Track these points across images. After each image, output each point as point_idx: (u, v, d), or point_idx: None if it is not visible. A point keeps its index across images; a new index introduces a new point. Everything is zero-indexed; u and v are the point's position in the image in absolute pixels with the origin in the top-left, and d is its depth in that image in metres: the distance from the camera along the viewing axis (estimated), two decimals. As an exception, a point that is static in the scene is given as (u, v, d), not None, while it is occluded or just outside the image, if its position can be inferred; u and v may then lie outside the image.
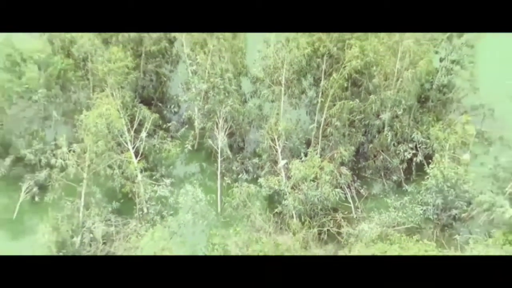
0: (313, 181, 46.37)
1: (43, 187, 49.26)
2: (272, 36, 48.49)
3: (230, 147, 52.09)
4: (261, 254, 41.04)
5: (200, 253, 43.57)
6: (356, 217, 48.80)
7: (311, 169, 46.24)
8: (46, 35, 50.80)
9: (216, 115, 49.98)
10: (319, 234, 46.67)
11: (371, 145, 51.56)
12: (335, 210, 48.47)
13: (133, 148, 47.59)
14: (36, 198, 49.06)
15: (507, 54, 57.98)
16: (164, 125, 54.03)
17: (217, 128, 49.75)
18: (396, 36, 47.84)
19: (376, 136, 51.31)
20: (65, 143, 48.15)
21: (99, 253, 45.33)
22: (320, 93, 48.85)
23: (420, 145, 50.43)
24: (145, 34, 52.26)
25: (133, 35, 51.90)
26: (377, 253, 44.11)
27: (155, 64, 54.83)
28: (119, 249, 45.11)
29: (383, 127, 50.58)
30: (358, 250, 45.05)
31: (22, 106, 51.76)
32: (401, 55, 47.40)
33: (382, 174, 51.89)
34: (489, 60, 53.17)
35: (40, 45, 50.12)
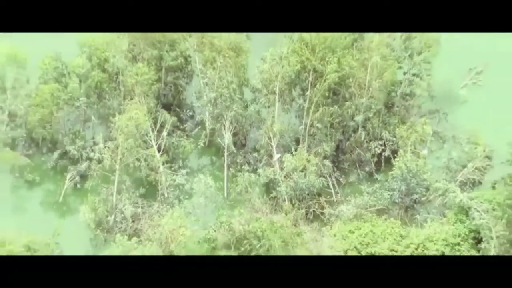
0: (302, 171, 51.10)
1: (83, 176, 54.19)
2: (268, 55, 52.80)
3: (235, 144, 56.03)
4: (259, 230, 43.38)
5: (210, 230, 45.90)
6: (336, 201, 53.30)
7: (300, 162, 51.19)
8: (85, 54, 55.15)
9: (223, 118, 54.13)
10: (306, 214, 51.32)
11: (348, 142, 56.44)
12: (319, 194, 53.06)
13: (156, 144, 51.67)
14: (78, 185, 54.10)
15: (458, 68, 62.40)
16: (181, 126, 58.27)
17: (224, 128, 54.02)
18: (366, 54, 52.42)
19: (352, 135, 56.18)
20: (101, 141, 53.33)
21: (128, 230, 49.04)
22: (307, 101, 53.35)
23: (387, 142, 55.32)
24: (165, 53, 56.01)
25: (155, 53, 55.56)
26: (353, 229, 47.63)
27: (174, 77, 58.98)
28: (145, 226, 49.04)
29: (358, 128, 55.33)
30: (337, 226, 49.08)
31: (67, 111, 56.56)
32: (370, 69, 51.92)
33: (357, 165, 56.44)
34: (443, 73, 57.81)
35: (81, 62, 54.78)
